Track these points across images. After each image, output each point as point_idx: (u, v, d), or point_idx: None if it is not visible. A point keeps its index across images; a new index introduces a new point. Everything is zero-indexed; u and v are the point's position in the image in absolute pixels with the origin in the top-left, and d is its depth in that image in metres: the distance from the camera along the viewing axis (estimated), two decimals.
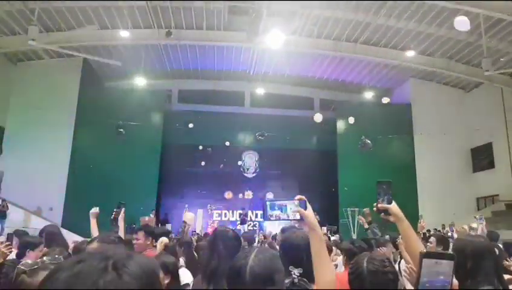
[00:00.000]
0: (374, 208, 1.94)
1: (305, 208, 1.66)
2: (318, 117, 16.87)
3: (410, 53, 17.22)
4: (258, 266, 1.30)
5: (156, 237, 4.28)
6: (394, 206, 1.87)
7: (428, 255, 1.28)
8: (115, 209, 4.22)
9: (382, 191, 1.88)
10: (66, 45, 16.72)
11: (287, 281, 1.69)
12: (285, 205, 1.65)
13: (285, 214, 1.66)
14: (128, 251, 0.81)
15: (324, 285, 1.57)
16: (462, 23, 8.66)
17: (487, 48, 15.54)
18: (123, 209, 4.20)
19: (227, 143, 19.28)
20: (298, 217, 1.63)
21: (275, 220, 1.68)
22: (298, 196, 1.67)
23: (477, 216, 7.43)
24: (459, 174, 19.75)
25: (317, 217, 2.02)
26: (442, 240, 4.56)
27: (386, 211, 1.87)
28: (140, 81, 19.08)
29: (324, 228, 13.34)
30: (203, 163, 19.37)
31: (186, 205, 14.72)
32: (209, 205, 18.94)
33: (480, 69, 16.41)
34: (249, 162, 20.89)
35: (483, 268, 1.87)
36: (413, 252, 1.80)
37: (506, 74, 17.58)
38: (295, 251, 1.98)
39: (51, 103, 17.55)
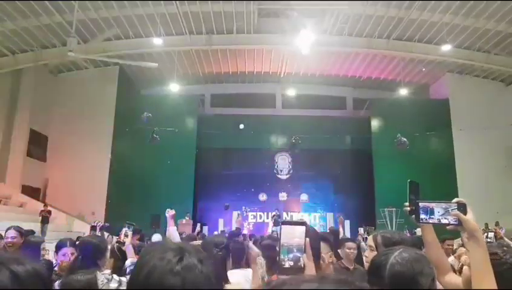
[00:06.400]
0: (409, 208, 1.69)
1: (465, 213, 1.51)
2: None
3: (446, 47, 16.72)
4: (399, 265, 1.28)
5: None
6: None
7: (285, 222, 1.46)
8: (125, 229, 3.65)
9: (414, 192, 1.73)
10: (102, 54, 17.39)
11: None
12: (434, 208, 1.58)
13: (437, 218, 1.56)
14: None
15: None
16: None
17: None
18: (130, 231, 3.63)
19: (241, 126, 19.43)
20: (455, 221, 1.51)
21: (432, 223, 1.61)
22: (457, 199, 1.53)
23: None
24: (501, 170, 18.92)
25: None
26: None
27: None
28: (173, 87, 19.48)
29: (361, 229, 13.15)
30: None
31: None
32: (243, 207, 19.09)
33: None
34: (282, 163, 20.90)
35: None
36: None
37: None
38: None
39: (90, 111, 18.30)
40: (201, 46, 17.78)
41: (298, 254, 1.41)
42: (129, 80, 20.14)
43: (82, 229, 15.34)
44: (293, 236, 1.43)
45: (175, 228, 4.65)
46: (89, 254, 2.91)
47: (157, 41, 16.45)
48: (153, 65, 16.25)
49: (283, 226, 1.46)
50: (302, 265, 1.40)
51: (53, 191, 18.12)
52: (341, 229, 6.91)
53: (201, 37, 17.16)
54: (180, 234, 10.23)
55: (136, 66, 19.09)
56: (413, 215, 1.66)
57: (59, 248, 3.63)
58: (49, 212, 14.99)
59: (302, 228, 1.44)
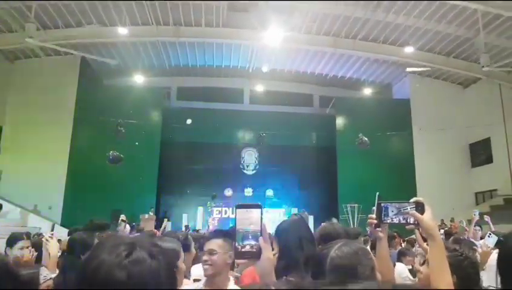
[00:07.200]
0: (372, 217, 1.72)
1: (423, 212, 1.55)
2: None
3: (409, 49, 17.34)
4: (339, 258, 1.34)
5: None
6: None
7: (240, 206, 1.45)
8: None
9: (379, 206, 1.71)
10: (64, 42, 16.78)
11: None
12: (389, 207, 1.62)
13: (390, 217, 1.61)
14: None
15: None
16: None
17: (485, 44, 15.70)
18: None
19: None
20: (413, 221, 1.56)
21: (390, 223, 1.63)
22: (415, 198, 1.57)
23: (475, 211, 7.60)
24: (457, 169, 19.95)
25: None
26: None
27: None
28: (138, 79, 19.13)
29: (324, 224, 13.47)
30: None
31: None
32: (208, 203, 19.07)
33: (478, 65, 16.59)
34: (249, 159, 21.01)
35: None
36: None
37: (504, 70, 17.73)
38: None
39: (49, 101, 17.60)
40: (168, 38, 17.55)
41: (254, 241, 1.43)
42: (92, 69, 19.56)
43: (38, 224, 14.83)
44: (249, 221, 1.43)
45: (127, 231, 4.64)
46: (76, 250, 2.89)
47: (122, 30, 16.07)
48: (112, 62, 15.86)
49: (238, 210, 1.45)
50: (259, 248, 1.42)
51: (6, 184, 17.31)
52: None
53: (168, 28, 16.92)
54: (141, 230, 10.13)
55: (99, 55, 18.62)
56: (377, 229, 1.72)
57: (13, 242, 3.47)
58: (0, 206, 14.37)
59: (258, 211, 1.45)
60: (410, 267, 4.80)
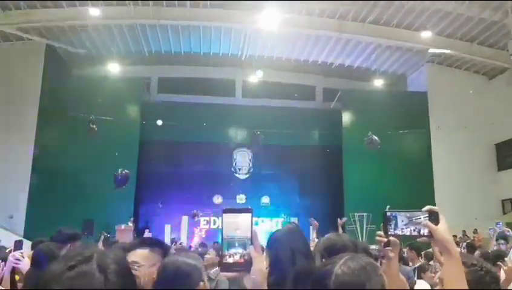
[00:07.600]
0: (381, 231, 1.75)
1: (437, 222, 1.56)
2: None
3: (426, 34, 17.36)
4: (345, 275, 1.33)
5: None
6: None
7: (227, 210, 1.49)
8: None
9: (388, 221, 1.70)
10: (26, 25, 16.66)
11: None
12: (398, 216, 1.64)
13: (400, 228, 1.63)
14: None
15: None
16: None
17: None
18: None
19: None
20: (426, 232, 1.57)
21: (400, 235, 1.66)
22: (428, 207, 1.59)
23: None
24: (481, 173, 19.97)
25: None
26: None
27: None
28: (113, 68, 19.05)
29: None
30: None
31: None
32: (195, 211, 19.02)
33: (506, 53, 16.64)
34: (241, 161, 20.98)
35: None
36: None
37: None
38: None
39: (9, 93, 17.49)
40: (147, 20, 17.52)
41: (241, 249, 1.44)
42: (59, 57, 19.44)
43: None
44: (236, 227, 1.46)
45: None
46: (42, 262, 2.90)
47: (94, 11, 15.99)
48: (81, 52, 15.71)
49: (225, 215, 1.47)
50: (250, 259, 1.43)
51: None
52: (314, 236, 6.88)
53: (148, 9, 16.87)
54: (115, 242, 10.11)
55: (68, 41, 18.51)
56: (387, 247, 1.77)
57: None
58: None
59: (248, 216, 1.47)
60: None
